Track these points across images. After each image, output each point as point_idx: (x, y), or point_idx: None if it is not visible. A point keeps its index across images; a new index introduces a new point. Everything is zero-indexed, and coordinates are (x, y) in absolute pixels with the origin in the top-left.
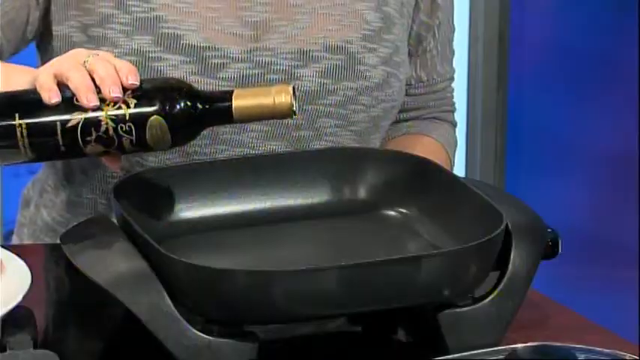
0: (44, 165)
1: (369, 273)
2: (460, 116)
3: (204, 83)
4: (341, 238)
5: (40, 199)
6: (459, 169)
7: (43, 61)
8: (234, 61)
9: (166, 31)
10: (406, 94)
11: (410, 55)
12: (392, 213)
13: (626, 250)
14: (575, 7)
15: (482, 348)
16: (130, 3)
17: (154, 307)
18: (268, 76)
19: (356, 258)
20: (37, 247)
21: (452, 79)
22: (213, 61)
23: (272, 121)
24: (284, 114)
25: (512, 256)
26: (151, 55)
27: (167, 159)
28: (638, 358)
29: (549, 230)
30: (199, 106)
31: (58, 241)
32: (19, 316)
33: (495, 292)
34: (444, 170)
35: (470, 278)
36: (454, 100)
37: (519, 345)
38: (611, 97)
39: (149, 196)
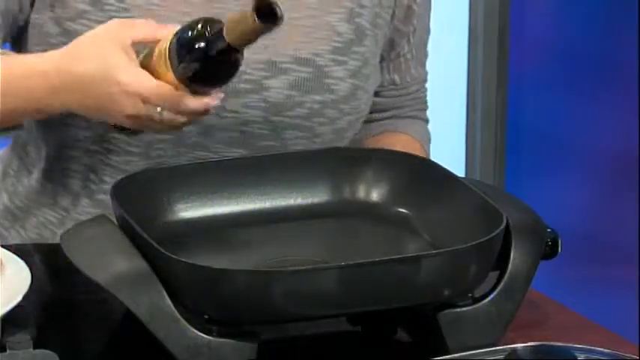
0: (8, 147)
1: (369, 273)
2: (460, 116)
3: None
4: (341, 238)
5: (1, 182)
6: (459, 169)
7: (15, 49)
8: None
9: None
10: (379, 96)
11: (382, 59)
12: (392, 213)
13: (626, 250)
14: (575, 7)
15: (482, 348)
16: (105, 1)
17: (154, 307)
18: (238, 85)
19: (356, 258)
20: (37, 246)
21: (425, 81)
22: None
23: (236, 129)
24: (269, 21)
25: (512, 256)
26: None
27: (158, 156)
28: (638, 358)
29: (549, 230)
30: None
31: (58, 240)
32: (19, 316)
33: (495, 292)
34: (444, 170)
35: (470, 278)
36: (427, 98)
37: (519, 345)
38: (611, 97)
39: (149, 196)
